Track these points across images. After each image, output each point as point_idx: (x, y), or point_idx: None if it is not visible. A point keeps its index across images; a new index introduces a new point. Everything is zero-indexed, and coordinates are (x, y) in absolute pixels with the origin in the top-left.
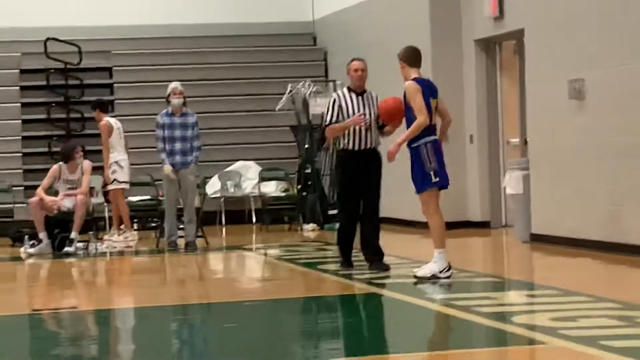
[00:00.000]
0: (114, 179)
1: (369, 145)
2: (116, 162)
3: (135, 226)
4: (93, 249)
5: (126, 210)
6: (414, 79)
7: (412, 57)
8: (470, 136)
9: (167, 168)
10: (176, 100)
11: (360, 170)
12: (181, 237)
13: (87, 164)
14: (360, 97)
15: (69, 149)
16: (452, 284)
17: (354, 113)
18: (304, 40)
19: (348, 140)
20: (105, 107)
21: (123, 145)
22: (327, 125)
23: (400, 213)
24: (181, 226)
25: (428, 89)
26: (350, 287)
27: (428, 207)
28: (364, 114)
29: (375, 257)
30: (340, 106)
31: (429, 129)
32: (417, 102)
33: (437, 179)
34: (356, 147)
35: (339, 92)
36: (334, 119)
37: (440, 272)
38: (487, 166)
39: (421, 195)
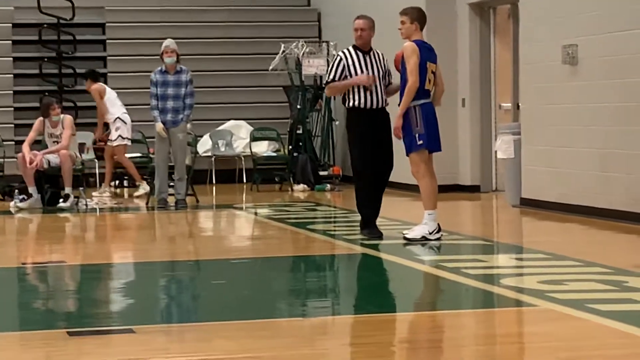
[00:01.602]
0: (119, 135)
1: (379, 104)
2: (119, 118)
3: (125, 183)
4: (83, 205)
5: (131, 165)
6: (414, 40)
7: (422, 18)
8: (463, 100)
9: (159, 126)
10: (168, 59)
11: (372, 129)
12: (171, 194)
13: (68, 119)
14: (367, 56)
15: (45, 105)
16: (441, 245)
17: (358, 72)
18: (297, 0)
19: (359, 99)
20: (97, 76)
21: (120, 101)
22: (328, 83)
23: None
24: (172, 184)
25: (427, 52)
26: (340, 247)
27: (417, 169)
28: (371, 74)
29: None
30: (345, 65)
31: (422, 93)
32: (411, 64)
33: (421, 142)
34: (367, 106)
35: (345, 50)
36: (337, 77)
37: (430, 233)
38: (478, 130)
39: (410, 157)
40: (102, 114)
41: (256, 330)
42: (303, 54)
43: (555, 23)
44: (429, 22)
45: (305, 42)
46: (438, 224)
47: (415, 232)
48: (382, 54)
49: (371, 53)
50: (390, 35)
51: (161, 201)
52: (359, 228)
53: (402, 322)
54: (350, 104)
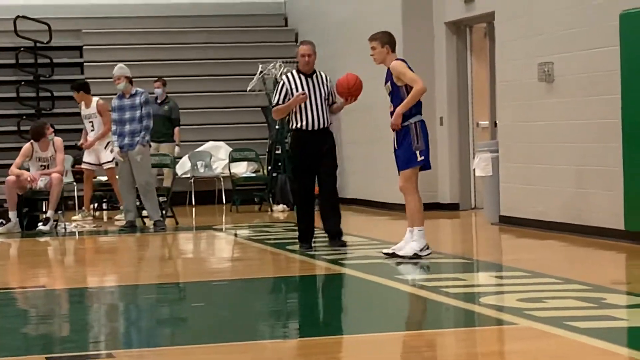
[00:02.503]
0: (113, 157)
1: (321, 125)
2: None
3: (104, 206)
4: (62, 229)
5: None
6: (399, 59)
7: (392, 41)
8: (440, 118)
9: (115, 150)
10: (118, 86)
11: (314, 150)
12: (146, 217)
13: (58, 141)
14: (309, 79)
15: (39, 126)
16: (421, 264)
17: (304, 92)
18: (275, 21)
19: (302, 120)
20: (89, 89)
21: None
22: (273, 107)
23: (366, 194)
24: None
25: (409, 68)
26: (319, 267)
27: (409, 185)
28: (306, 93)
29: (335, 234)
30: (288, 89)
31: (418, 108)
32: (409, 75)
33: (422, 158)
34: (309, 127)
35: (289, 74)
36: (281, 100)
37: (421, 250)
38: (456, 148)
39: (403, 173)
40: (108, 129)
41: (237, 353)
42: (281, 74)
43: (531, 41)
44: (406, 41)
45: (282, 62)
46: (426, 242)
47: (405, 250)
48: (325, 75)
49: (314, 76)
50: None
51: (128, 222)
52: (329, 246)
53: (383, 342)
54: (294, 125)
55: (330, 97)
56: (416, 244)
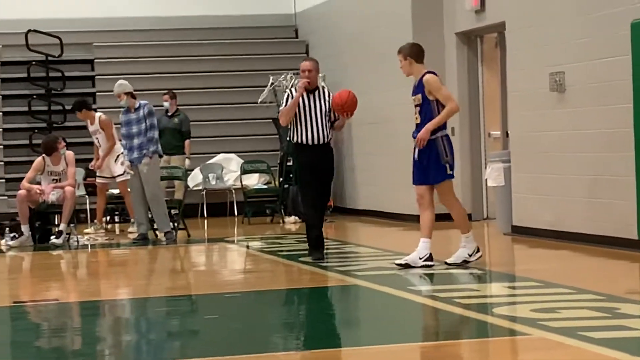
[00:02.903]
0: (124, 170)
1: (321, 140)
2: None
3: (117, 219)
4: (74, 242)
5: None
6: (430, 72)
7: (419, 53)
8: (452, 129)
9: (126, 164)
10: (121, 103)
11: (315, 163)
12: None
13: (70, 155)
14: (310, 94)
15: (51, 140)
16: (433, 275)
17: (304, 108)
18: (285, 32)
19: (300, 135)
20: (90, 104)
21: None
22: (279, 113)
23: (377, 205)
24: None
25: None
26: (332, 279)
27: (447, 197)
28: (315, 110)
29: (320, 247)
30: (300, 101)
31: (445, 123)
32: (444, 92)
33: (451, 172)
34: (309, 142)
35: (293, 88)
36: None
37: (470, 255)
38: (468, 159)
39: (438, 187)
40: (113, 143)
41: None
42: (292, 86)
43: (542, 50)
44: None
45: (293, 74)
46: (477, 246)
47: (455, 257)
48: (328, 91)
49: (316, 92)
50: (379, 65)
51: (140, 235)
52: (342, 257)
53: (396, 353)
54: (295, 139)
55: (332, 114)
56: (465, 250)
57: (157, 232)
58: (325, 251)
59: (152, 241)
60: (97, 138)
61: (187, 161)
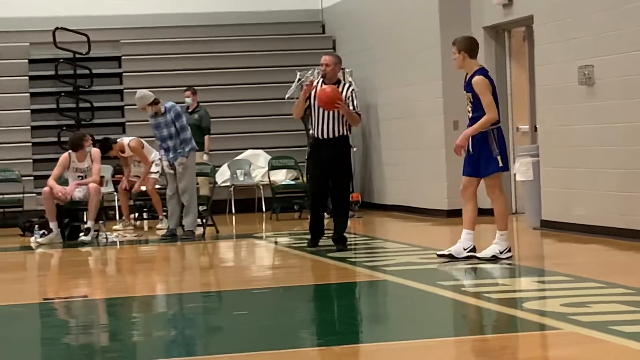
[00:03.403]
0: (160, 170)
1: (331, 135)
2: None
3: (145, 215)
4: (103, 238)
5: (158, 199)
6: (481, 72)
7: (473, 47)
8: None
9: (164, 164)
10: (148, 114)
11: (326, 157)
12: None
13: (95, 152)
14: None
15: (78, 138)
16: (463, 270)
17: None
18: (312, 28)
19: (315, 129)
20: (111, 141)
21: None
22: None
23: (406, 200)
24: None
25: (491, 79)
26: (360, 274)
27: (494, 190)
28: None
29: (336, 239)
30: (311, 95)
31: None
32: (487, 99)
33: (502, 165)
34: (322, 135)
35: (315, 82)
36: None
37: (501, 252)
38: None
39: (487, 179)
40: (149, 164)
41: None
42: (319, 81)
43: (571, 44)
44: (444, 46)
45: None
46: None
47: (486, 251)
48: (348, 85)
49: (337, 86)
50: (407, 59)
51: (169, 231)
52: (370, 252)
53: (425, 348)
54: (311, 132)
55: (347, 105)
56: (497, 246)
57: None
58: (346, 244)
59: (180, 238)
60: (133, 164)
61: (205, 156)
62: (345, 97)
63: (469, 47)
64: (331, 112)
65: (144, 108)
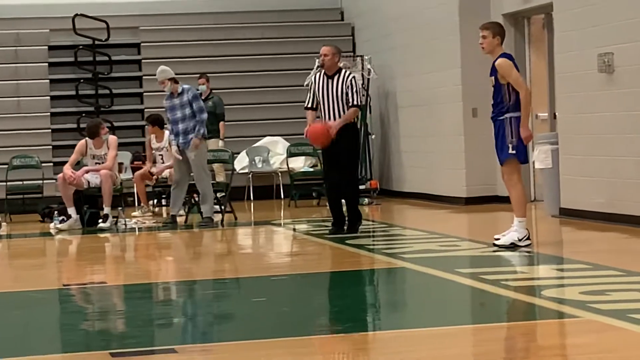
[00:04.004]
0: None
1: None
2: None
3: (164, 202)
4: (122, 225)
5: None
6: (504, 55)
7: (503, 33)
8: None
9: (173, 149)
10: (165, 89)
11: (332, 145)
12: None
13: (112, 139)
14: (330, 79)
15: (94, 125)
16: (481, 258)
17: (322, 91)
18: (331, 15)
19: (321, 116)
20: (163, 122)
21: None
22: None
23: (425, 187)
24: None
25: (515, 65)
26: (379, 261)
27: (510, 177)
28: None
29: (350, 222)
30: (314, 90)
31: (517, 105)
32: (514, 77)
33: (514, 152)
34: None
35: (316, 75)
36: (309, 104)
37: (520, 240)
38: None
39: (504, 166)
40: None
41: (297, 347)
42: (319, 71)
43: (590, 31)
44: (463, 34)
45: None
46: (528, 231)
47: (505, 239)
48: (346, 76)
49: (336, 76)
50: (425, 46)
51: (171, 217)
52: (388, 240)
53: (443, 336)
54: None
55: (348, 98)
56: (516, 234)
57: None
58: (359, 228)
59: (198, 224)
60: (161, 155)
61: (220, 143)
62: (345, 86)
63: (503, 33)
64: (334, 104)
65: (163, 82)
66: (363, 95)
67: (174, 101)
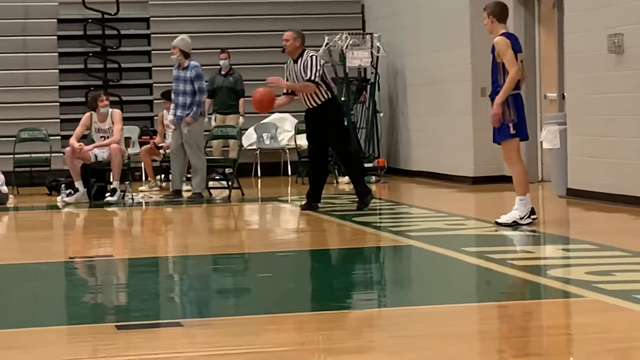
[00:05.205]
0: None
1: (308, 105)
2: None
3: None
4: (129, 199)
5: None
6: (504, 34)
7: (502, 12)
8: None
9: (170, 118)
10: (172, 57)
11: (311, 126)
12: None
13: (116, 113)
14: (295, 64)
15: (92, 97)
16: (488, 236)
17: (290, 76)
18: None
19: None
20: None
21: None
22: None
23: (432, 166)
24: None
25: (516, 43)
26: (385, 239)
27: (510, 155)
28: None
29: (358, 198)
30: (285, 77)
31: (516, 84)
32: (508, 57)
33: (515, 132)
34: (306, 106)
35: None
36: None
37: (521, 218)
38: None
39: (502, 145)
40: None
41: (303, 323)
42: (347, 46)
43: (601, 12)
44: (473, 13)
45: (349, 34)
46: (532, 208)
47: (506, 217)
48: (308, 56)
49: (299, 60)
50: (435, 26)
51: (173, 191)
52: (395, 218)
53: (449, 313)
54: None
55: (300, 75)
56: (517, 212)
57: (212, 191)
58: (366, 201)
59: (206, 199)
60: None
61: (241, 119)
62: (303, 67)
63: (498, 11)
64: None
65: (174, 48)
66: (318, 70)
67: (179, 73)
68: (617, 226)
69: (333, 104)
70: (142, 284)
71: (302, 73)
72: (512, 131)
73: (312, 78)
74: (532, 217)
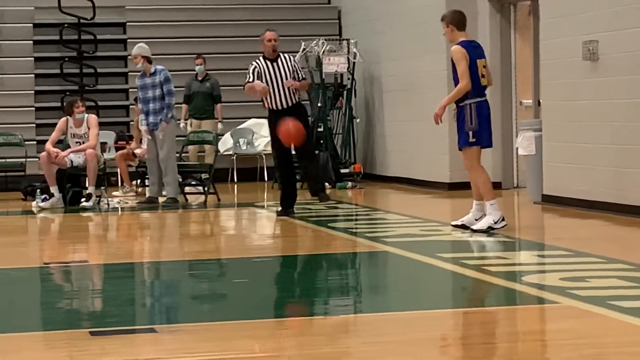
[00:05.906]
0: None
1: (289, 103)
2: None
3: (147, 182)
4: (104, 204)
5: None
6: (460, 43)
7: (460, 20)
8: None
9: (142, 129)
10: (137, 66)
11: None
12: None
13: (92, 118)
14: (274, 63)
15: (68, 103)
16: (463, 243)
17: (269, 76)
18: None
19: (271, 103)
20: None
21: None
22: (245, 85)
23: (408, 172)
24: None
25: (474, 51)
26: (361, 245)
27: (471, 163)
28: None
29: (316, 192)
30: (259, 72)
31: (477, 91)
32: (461, 68)
33: (474, 140)
34: (279, 107)
35: (257, 60)
36: (253, 79)
37: (495, 222)
38: (499, 127)
39: (463, 153)
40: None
41: (278, 329)
42: (323, 52)
43: (576, 19)
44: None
45: (325, 40)
46: (482, 215)
47: (481, 224)
48: (290, 57)
49: (278, 59)
50: (411, 30)
51: (148, 198)
52: (371, 224)
53: (424, 319)
54: (268, 107)
55: (296, 75)
56: (490, 217)
57: (188, 197)
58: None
59: (181, 205)
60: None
61: (219, 125)
62: (291, 66)
63: (456, 20)
64: (281, 86)
65: (136, 57)
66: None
67: (145, 80)
68: (592, 232)
69: (303, 106)
70: (117, 289)
71: (293, 72)
72: (471, 139)
73: (304, 76)
74: (504, 222)
